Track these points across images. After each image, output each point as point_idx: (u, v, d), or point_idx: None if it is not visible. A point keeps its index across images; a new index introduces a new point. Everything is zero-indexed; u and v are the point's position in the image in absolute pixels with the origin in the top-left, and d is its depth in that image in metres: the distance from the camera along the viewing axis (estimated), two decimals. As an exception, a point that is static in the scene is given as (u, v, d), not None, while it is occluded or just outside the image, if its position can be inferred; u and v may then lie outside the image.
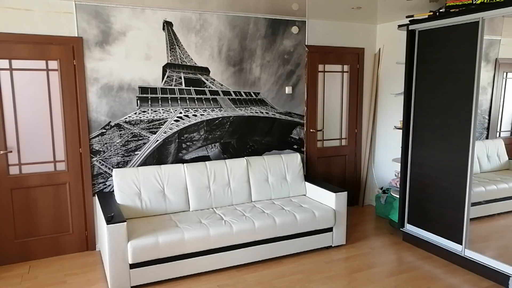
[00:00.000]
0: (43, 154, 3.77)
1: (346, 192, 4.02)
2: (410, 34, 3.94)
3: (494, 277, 3.34)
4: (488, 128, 3.58)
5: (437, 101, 3.73)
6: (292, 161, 4.49)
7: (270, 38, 4.53)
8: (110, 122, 3.93)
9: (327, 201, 4.07)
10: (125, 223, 3.17)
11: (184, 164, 4.06)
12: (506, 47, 3.38)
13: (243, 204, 4.12)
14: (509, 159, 3.52)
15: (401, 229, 4.21)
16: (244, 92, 4.51)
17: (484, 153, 3.59)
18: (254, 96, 4.57)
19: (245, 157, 4.35)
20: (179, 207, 3.89)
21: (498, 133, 3.58)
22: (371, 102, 5.26)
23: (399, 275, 3.49)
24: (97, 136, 3.90)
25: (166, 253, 3.28)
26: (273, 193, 4.30)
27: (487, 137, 3.58)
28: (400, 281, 3.38)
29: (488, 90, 3.46)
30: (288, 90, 4.73)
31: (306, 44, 4.74)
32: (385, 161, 5.20)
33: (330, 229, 3.99)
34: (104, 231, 3.24)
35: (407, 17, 3.97)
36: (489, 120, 3.53)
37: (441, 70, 3.67)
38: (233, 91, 4.45)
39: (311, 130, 4.97)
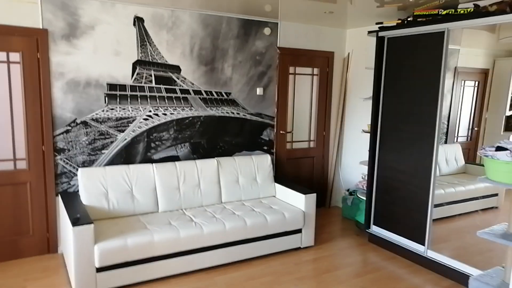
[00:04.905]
0: (2, 151, 3.56)
1: (315, 194, 4.08)
2: (379, 41, 4.05)
3: (454, 276, 3.49)
4: (447, 133, 3.75)
5: (404, 106, 3.86)
6: (262, 162, 4.50)
7: (242, 39, 4.52)
8: (75, 119, 3.77)
9: (297, 202, 4.11)
10: (92, 225, 3.05)
11: (153, 164, 3.96)
12: (464, 56, 3.56)
13: (213, 205, 4.08)
14: (465, 163, 3.71)
15: (367, 230, 4.33)
16: (215, 92, 4.46)
17: (443, 157, 3.76)
18: (226, 96, 4.54)
19: (216, 158, 4.31)
20: (147, 208, 3.79)
21: (455, 138, 3.76)
22: (339, 105, 5.36)
23: (365, 276, 3.58)
24: (62, 133, 3.73)
25: (135, 255, 3.19)
26: (243, 194, 4.29)
27: (445, 142, 3.75)
28: (366, 282, 3.47)
29: (447, 96, 3.62)
30: (259, 91, 4.73)
31: (278, 46, 4.77)
32: (352, 163, 5.32)
33: (299, 231, 4.03)
34: (69, 233, 3.11)
35: (376, 23, 4.08)
36: (448, 125, 3.71)
37: (409, 76, 3.80)
38: (204, 91, 4.39)
39: (281, 132, 5.00)
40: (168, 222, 3.56)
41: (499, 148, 2.65)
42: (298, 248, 4.09)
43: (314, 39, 5.06)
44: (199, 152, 4.45)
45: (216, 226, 3.55)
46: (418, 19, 3.69)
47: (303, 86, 5.15)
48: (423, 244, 3.74)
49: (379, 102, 4.14)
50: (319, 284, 3.40)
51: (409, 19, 3.79)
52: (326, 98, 5.30)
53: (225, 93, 4.53)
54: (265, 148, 4.90)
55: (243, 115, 4.69)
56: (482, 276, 2.93)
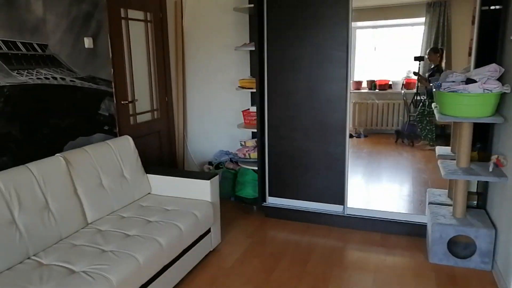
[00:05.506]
0: None
1: (218, 176, 3.05)
2: (261, -29, 3.25)
3: (379, 227, 3.33)
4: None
5: (299, 51, 3.27)
6: (125, 148, 3.01)
7: (56, -47, 2.74)
8: None
9: (194, 193, 2.97)
10: None
11: None
12: None
13: (78, 232, 2.41)
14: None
15: (263, 204, 3.66)
16: (21, 44, 2.58)
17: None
18: (40, 51, 2.71)
19: (61, 154, 2.54)
20: (-44, 280, 1.83)
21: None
22: (177, 61, 4.23)
23: (310, 258, 2.96)
24: None
25: None
26: (115, 201, 2.75)
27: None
28: (310, 265, 2.86)
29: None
30: (88, 42, 3.08)
31: (105, -27, 3.19)
32: (205, 131, 4.40)
33: (208, 231, 2.94)
34: None
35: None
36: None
37: (303, 16, 3.20)
38: (2, 40, 2.46)
39: (122, 102, 3.51)
40: (29, 291, 1.81)
41: (470, 81, 2.50)
42: (209, 253, 3.02)
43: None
44: (9, 150, 2.54)
45: (124, 264, 2.06)
46: None
47: (139, 37, 3.75)
48: (342, 204, 3.42)
49: (263, 51, 3.40)
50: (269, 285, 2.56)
51: None
52: (164, 52, 4.08)
53: (39, 45, 2.70)
54: (106, 128, 3.34)
55: (71, 80, 2.97)
56: (437, 218, 2.85)
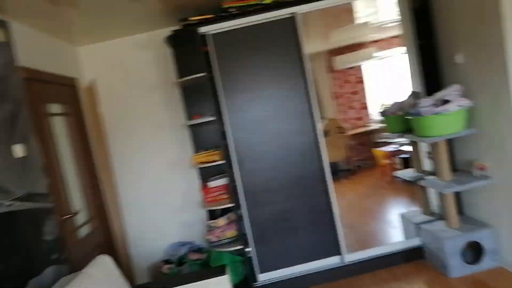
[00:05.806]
0: None
1: (227, 266, 2.57)
2: (202, 41, 3.06)
3: (374, 265, 3.27)
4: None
5: (262, 112, 3.14)
6: (107, 272, 2.28)
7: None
8: None
9: (205, 298, 2.43)
10: None
11: None
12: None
13: None
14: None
15: (255, 285, 3.22)
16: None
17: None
18: (-28, 174, 1.93)
19: None
20: None
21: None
22: (103, 155, 3.58)
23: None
24: None
25: None
26: None
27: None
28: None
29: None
30: (19, 150, 2.35)
31: (18, 64, 2.54)
32: (148, 227, 3.73)
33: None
34: None
35: (181, 20, 3.07)
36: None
37: (259, 73, 3.12)
38: None
39: (63, 218, 2.73)
40: None
41: (445, 102, 2.75)
42: None
43: (54, 57, 3.11)
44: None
45: None
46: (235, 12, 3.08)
47: (61, 134, 3.06)
48: (339, 254, 3.26)
49: (221, 119, 3.15)
50: None
51: (230, 11, 3.09)
52: (86, 147, 3.41)
53: (-30, 165, 1.92)
54: (55, 256, 2.52)
55: (6, 206, 2.17)
56: (439, 234, 2.95)
